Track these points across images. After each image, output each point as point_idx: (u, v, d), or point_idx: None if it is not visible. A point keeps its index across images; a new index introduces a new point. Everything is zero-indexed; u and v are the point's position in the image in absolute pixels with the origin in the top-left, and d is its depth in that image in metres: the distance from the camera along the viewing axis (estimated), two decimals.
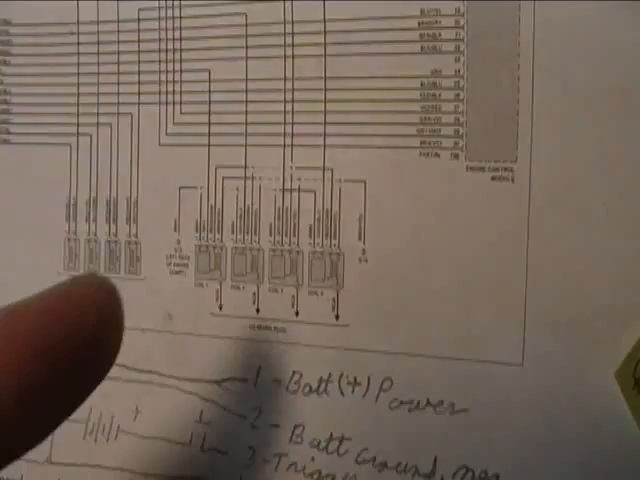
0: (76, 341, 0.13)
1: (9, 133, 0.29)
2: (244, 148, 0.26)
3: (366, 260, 0.25)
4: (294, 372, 0.25)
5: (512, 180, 0.23)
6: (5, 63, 0.29)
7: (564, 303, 0.23)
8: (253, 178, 0.26)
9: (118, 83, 0.28)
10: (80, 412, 0.27)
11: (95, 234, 0.28)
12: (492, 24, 0.23)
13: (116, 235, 0.28)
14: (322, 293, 0.25)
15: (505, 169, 0.23)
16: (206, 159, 0.26)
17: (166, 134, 0.27)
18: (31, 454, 0.27)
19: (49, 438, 0.27)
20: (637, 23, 0.22)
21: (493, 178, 0.23)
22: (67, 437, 0.28)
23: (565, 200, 0.23)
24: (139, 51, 0.27)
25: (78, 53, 0.28)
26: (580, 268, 0.23)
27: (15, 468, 0.28)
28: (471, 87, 0.24)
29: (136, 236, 0.28)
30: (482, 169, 0.23)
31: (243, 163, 0.26)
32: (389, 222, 0.24)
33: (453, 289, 0.24)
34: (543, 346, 0.23)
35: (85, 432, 0.28)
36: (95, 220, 0.28)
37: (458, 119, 0.24)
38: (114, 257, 0.28)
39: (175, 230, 0.27)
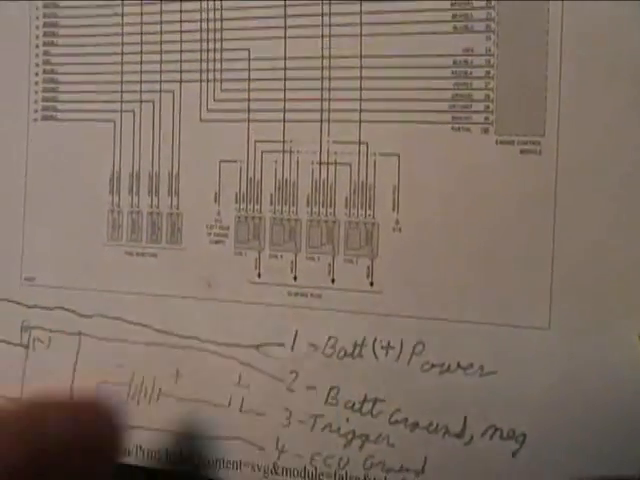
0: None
1: (56, 110, 0.31)
2: (282, 123, 0.27)
3: (400, 230, 0.26)
4: (330, 337, 0.27)
5: (540, 153, 0.24)
6: (53, 44, 0.31)
7: (589, 269, 0.24)
8: (291, 152, 0.27)
9: (160, 62, 0.29)
10: (123, 375, 0.29)
11: (138, 206, 0.29)
12: (522, 3, 0.24)
13: (158, 207, 0.29)
14: (357, 261, 0.26)
15: (533, 142, 0.24)
16: (246, 134, 0.28)
17: (207, 110, 0.28)
18: None
19: None
20: None
21: (522, 151, 0.25)
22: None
23: (591, 171, 0.24)
24: (181, 31, 0.29)
25: (122, 33, 0.29)
26: (604, 235, 0.24)
27: None
28: (501, 64, 0.25)
29: (177, 208, 0.29)
30: (511, 143, 0.25)
31: (282, 137, 0.27)
32: (421, 194, 0.26)
33: (482, 257, 0.25)
34: (569, 310, 0.24)
35: (128, 395, 0.29)
36: (138, 193, 0.29)
37: (488, 95, 0.25)
38: (156, 228, 0.29)
39: (215, 202, 0.28)
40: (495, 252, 0.25)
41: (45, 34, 0.30)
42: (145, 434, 0.29)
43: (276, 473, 0.27)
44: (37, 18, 0.30)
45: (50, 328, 0.30)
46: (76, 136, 0.30)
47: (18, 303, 0.31)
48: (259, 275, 0.28)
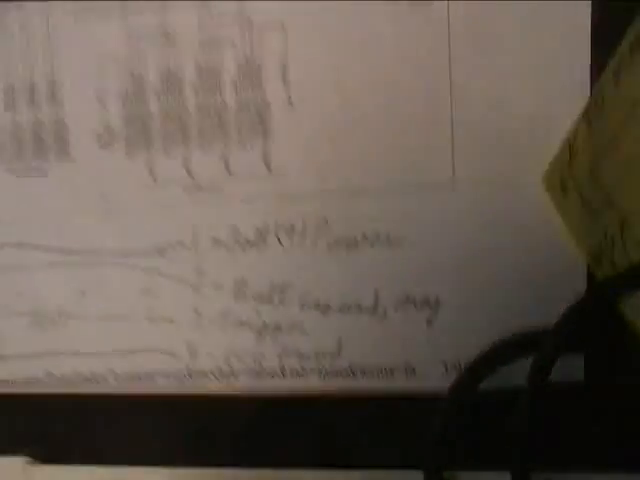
0: None
1: None
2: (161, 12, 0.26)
3: (291, 104, 0.24)
4: (231, 229, 0.25)
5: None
6: None
7: (489, 119, 0.23)
8: (171, 39, 0.25)
9: None
10: (25, 303, 0.27)
11: (18, 121, 0.27)
12: None
13: (40, 119, 0.27)
14: (251, 145, 0.25)
15: None
16: (125, 29, 0.26)
17: (82, 8, 0.26)
18: None
19: None
20: None
21: (411, 6, 0.23)
22: (15, 331, 0.28)
23: (483, 21, 0.23)
24: None
25: None
26: (501, 84, 0.23)
27: None
28: None
29: (61, 117, 0.27)
30: None
31: (160, 26, 0.25)
32: (311, 67, 0.24)
33: (380, 120, 0.24)
34: (472, 163, 0.23)
35: (33, 323, 0.28)
36: (14, 106, 0.27)
37: None
38: (41, 142, 0.27)
39: (99, 104, 0.27)
40: (393, 113, 0.24)
41: None
42: (56, 360, 0.27)
43: (191, 378, 0.25)
44: None
45: None
46: None
47: None
48: (152, 176, 0.26)
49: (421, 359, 0.24)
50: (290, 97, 0.25)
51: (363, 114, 0.24)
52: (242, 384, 0.25)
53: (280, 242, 0.25)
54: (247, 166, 0.25)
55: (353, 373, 0.24)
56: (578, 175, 0.21)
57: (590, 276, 0.22)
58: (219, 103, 0.25)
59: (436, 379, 0.24)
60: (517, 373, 0.22)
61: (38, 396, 0.27)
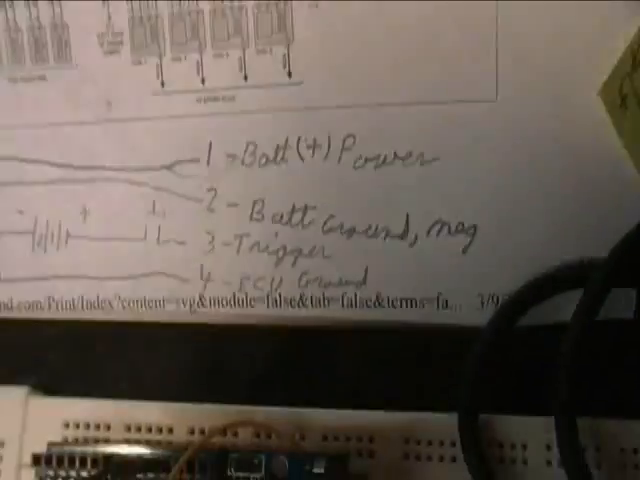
0: None
1: None
2: None
3: (316, 5, 0.22)
4: (248, 143, 0.23)
5: None
6: None
7: (536, 29, 0.20)
8: None
9: None
10: (24, 223, 0.25)
11: (14, 21, 0.25)
12: None
13: (39, 20, 0.24)
14: (271, 50, 0.22)
15: None
16: None
17: None
18: None
19: None
20: None
21: None
22: (14, 252, 0.25)
23: None
24: None
25: None
26: None
27: None
28: None
29: (61, 18, 0.24)
30: None
31: None
32: None
33: (416, 27, 0.21)
34: (517, 76, 0.20)
35: (33, 244, 0.25)
36: (12, 5, 0.25)
37: None
38: (40, 46, 0.24)
39: (103, 4, 0.24)
40: (431, 22, 0.21)
41: None
42: (58, 283, 0.25)
43: (203, 305, 0.23)
44: None
45: None
46: None
47: None
48: (162, 84, 0.23)
49: (455, 290, 0.22)
50: None
51: (396, 17, 0.21)
52: (258, 312, 0.23)
53: (301, 158, 0.22)
54: (266, 74, 0.22)
55: (380, 304, 0.22)
56: None
57: None
58: (235, 3, 0.22)
59: (471, 313, 0.22)
60: (562, 309, 0.20)
61: (38, 322, 0.25)
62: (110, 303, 0.25)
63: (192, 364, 0.24)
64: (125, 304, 0.25)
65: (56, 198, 0.25)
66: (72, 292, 0.25)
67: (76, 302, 0.25)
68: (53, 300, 0.26)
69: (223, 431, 0.21)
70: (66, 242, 0.25)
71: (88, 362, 0.25)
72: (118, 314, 0.25)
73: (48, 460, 0.21)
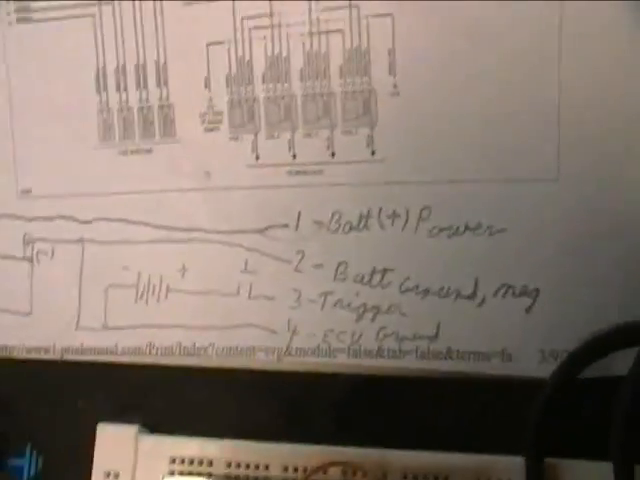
0: None
1: (29, 11, 0.29)
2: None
3: (398, 94, 0.25)
4: (334, 212, 0.26)
5: None
6: None
7: (597, 115, 0.23)
8: (280, 26, 0.26)
9: None
10: (129, 278, 0.28)
11: (127, 102, 0.28)
12: None
13: (148, 100, 0.28)
14: (356, 131, 0.26)
15: None
16: (231, 12, 0.27)
17: None
18: (87, 321, 0.28)
19: (102, 305, 0.28)
20: None
21: None
22: (119, 303, 0.29)
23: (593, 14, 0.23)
24: None
25: None
26: (610, 78, 0.23)
27: (73, 335, 0.29)
28: None
29: (168, 99, 0.28)
30: None
31: (268, 11, 0.26)
32: (419, 54, 0.25)
33: (485, 113, 0.24)
34: (577, 159, 0.23)
35: (136, 296, 0.29)
36: (126, 88, 0.28)
37: None
38: (148, 123, 0.28)
39: (206, 87, 0.27)
40: (498, 105, 0.24)
41: None
42: (158, 332, 0.28)
43: (290, 354, 0.27)
44: None
45: (52, 238, 0.30)
46: (54, 36, 0.29)
47: (18, 217, 0.30)
48: (257, 157, 0.27)
49: (518, 346, 0.24)
50: (396, 85, 0.25)
51: (466, 104, 0.24)
52: (340, 362, 0.26)
53: (382, 226, 0.25)
54: (351, 152, 0.26)
55: (450, 356, 0.25)
56: None
57: None
58: (325, 89, 0.26)
59: (532, 366, 0.24)
60: (619, 364, 0.22)
61: (139, 366, 0.29)
62: (205, 350, 0.28)
63: (279, 408, 0.27)
64: (219, 352, 0.28)
65: (158, 256, 0.29)
66: (170, 339, 0.29)
67: (174, 349, 0.29)
68: (153, 346, 0.29)
69: (321, 469, 0.24)
70: (166, 296, 0.29)
71: (185, 404, 0.28)
72: (211, 361, 0.28)
73: None
